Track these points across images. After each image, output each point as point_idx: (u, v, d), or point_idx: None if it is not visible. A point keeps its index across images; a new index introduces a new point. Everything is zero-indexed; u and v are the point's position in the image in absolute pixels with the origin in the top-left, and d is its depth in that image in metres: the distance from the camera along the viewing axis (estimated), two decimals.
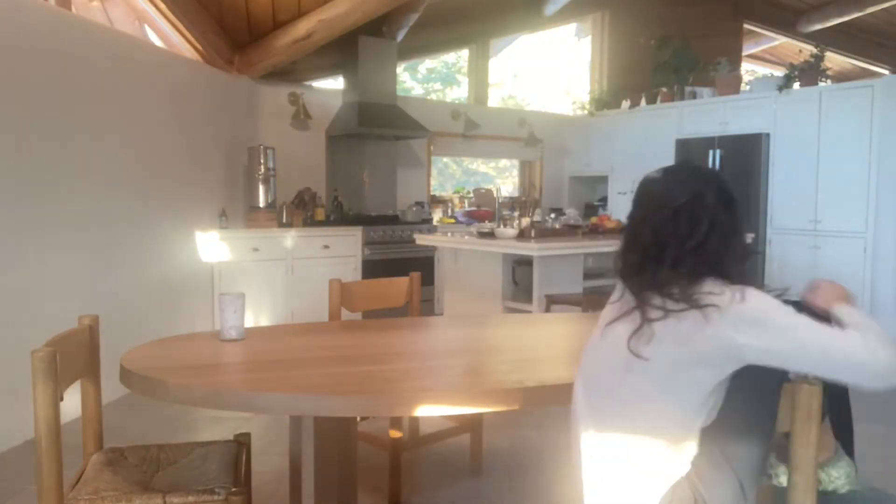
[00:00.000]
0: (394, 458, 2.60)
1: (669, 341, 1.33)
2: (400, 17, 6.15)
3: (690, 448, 1.37)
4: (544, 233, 4.57)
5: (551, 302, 4.09)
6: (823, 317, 1.38)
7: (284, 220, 5.71)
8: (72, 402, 1.81)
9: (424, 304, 5.56)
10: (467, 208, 7.37)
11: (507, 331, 2.47)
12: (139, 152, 4.30)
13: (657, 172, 1.49)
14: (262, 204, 5.54)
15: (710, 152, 6.33)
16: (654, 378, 1.35)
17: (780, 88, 5.98)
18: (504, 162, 12.32)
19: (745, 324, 1.28)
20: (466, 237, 4.80)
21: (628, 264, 1.46)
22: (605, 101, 7.80)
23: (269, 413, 2.94)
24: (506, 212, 4.87)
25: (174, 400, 1.64)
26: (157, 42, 5.09)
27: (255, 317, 5.30)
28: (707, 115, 6.55)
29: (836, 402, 1.63)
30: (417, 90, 13.82)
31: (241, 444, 2.00)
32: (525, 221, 4.80)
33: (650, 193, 1.46)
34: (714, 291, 1.32)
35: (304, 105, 6.09)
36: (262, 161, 5.50)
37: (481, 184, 11.71)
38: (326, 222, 5.99)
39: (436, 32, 7.15)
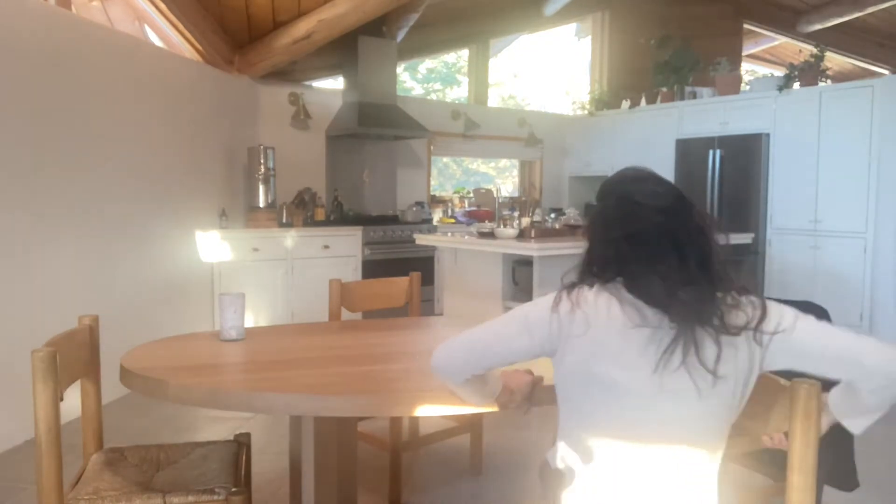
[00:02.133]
0: (394, 458, 2.60)
1: (729, 372, 1.28)
2: (400, 17, 6.15)
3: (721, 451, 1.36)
4: (544, 233, 4.57)
5: None
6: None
7: (284, 220, 5.71)
8: (72, 402, 1.81)
9: (424, 304, 5.56)
10: (467, 208, 7.37)
11: None
12: (139, 152, 4.30)
13: (633, 172, 1.37)
14: (262, 204, 5.55)
15: (710, 152, 6.33)
16: (712, 406, 1.30)
17: (780, 88, 5.98)
18: (504, 162, 12.33)
19: (792, 347, 1.30)
20: (466, 237, 4.80)
21: (670, 284, 1.26)
22: (605, 101, 7.80)
23: (269, 413, 2.94)
24: (506, 212, 4.87)
25: (174, 400, 1.64)
26: (157, 42, 5.09)
27: (255, 317, 5.30)
28: (707, 115, 6.55)
29: None
30: (417, 90, 13.83)
31: (241, 444, 2.00)
32: (525, 221, 4.79)
33: (669, 194, 1.32)
34: (751, 309, 1.29)
35: (304, 105, 6.09)
36: (262, 161, 5.50)
37: (481, 184, 11.73)
38: (326, 222, 5.99)
39: (436, 32, 7.15)
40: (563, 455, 1.38)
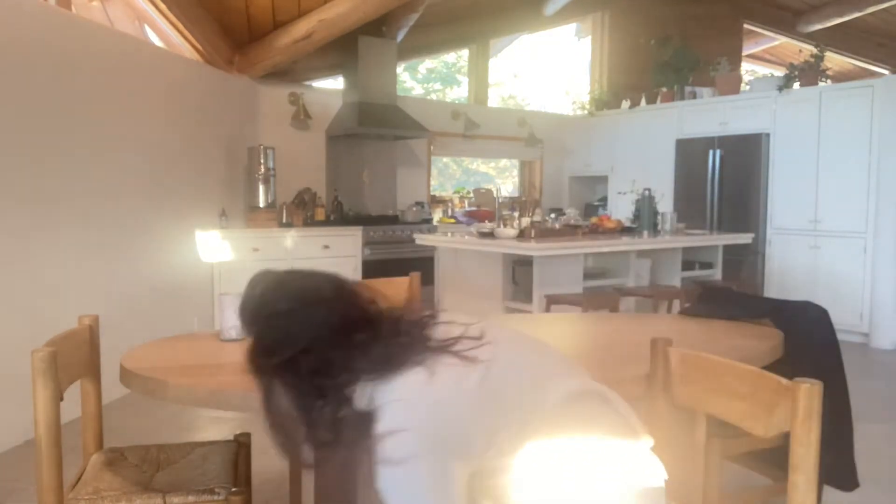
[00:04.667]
0: None
1: None
2: (400, 17, 6.15)
3: None
4: (544, 233, 4.57)
5: (551, 302, 4.09)
6: None
7: (284, 220, 5.71)
8: (72, 402, 1.81)
9: (424, 305, 5.55)
10: (467, 208, 7.37)
11: None
12: (139, 152, 4.30)
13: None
14: (262, 204, 5.55)
15: (710, 152, 6.34)
16: None
17: (780, 88, 5.98)
18: (504, 162, 12.33)
19: None
20: (466, 237, 4.80)
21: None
22: (605, 101, 7.80)
23: None
24: (506, 212, 4.87)
25: (174, 400, 1.63)
26: (157, 42, 5.09)
27: None
28: (707, 115, 6.55)
29: (836, 402, 1.64)
30: (417, 90, 13.82)
31: (241, 444, 2.00)
32: (525, 221, 4.79)
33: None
34: None
35: (304, 105, 6.09)
36: (262, 161, 5.50)
37: (481, 184, 11.73)
38: (326, 222, 5.99)
39: (436, 32, 7.15)
40: None
